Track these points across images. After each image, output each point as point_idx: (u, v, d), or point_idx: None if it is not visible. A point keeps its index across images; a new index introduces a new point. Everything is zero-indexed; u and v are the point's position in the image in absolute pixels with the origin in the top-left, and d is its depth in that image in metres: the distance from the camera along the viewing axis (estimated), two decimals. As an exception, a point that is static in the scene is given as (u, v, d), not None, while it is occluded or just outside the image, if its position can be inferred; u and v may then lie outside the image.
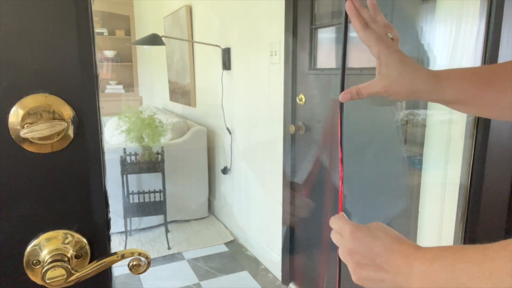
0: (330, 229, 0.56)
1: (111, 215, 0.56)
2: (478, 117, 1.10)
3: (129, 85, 5.99)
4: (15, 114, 0.48)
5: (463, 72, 0.56)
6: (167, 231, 2.96)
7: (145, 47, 3.29)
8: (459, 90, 0.54)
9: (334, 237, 0.54)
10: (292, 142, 2.13)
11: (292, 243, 2.26)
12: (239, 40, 2.64)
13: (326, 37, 1.93)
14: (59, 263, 0.49)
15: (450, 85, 0.55)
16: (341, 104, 0.61)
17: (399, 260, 0.46)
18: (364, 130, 1.62)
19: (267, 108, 2.35)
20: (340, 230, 0.53)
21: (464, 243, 1.19)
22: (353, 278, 0.50)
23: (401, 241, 0.48)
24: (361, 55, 1.70)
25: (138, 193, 2.90)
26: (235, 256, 2.74)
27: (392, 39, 0.59)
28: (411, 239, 1.58)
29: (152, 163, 2.85)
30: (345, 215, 0.56)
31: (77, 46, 0.49)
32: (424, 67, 0.58)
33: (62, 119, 0.49)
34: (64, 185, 0.52)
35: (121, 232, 2.90)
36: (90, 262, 0.54)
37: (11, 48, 0.47)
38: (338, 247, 0.53)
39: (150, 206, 2.91)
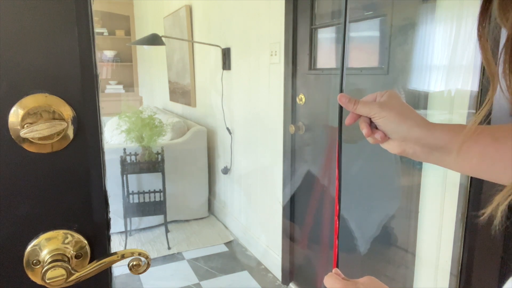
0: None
1: (111, 215, 0.56)
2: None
3: (129, 85, 5.99)
4: (15, 114, 0.48)
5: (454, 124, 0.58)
6: (167, 231, 2.96)
7: (145, 47, 3.29)
8: (448, 134, 0.55)
9: None
10: (292, 142, 2.13)
11: (292, 243, 2.26)
12: (239, 40, 2.64)
13: (326, 37, 1.93)
14: (59, 263, 0.49)
15: (440, 126, 0.56)
16: (340, 107, 0.61)
17: None
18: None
19: (267, 108, 2.35)
20: None
21: (464, 243, 1.19)
22: None
23: None
24: (361, 55, 1.70)
25: (138, 193, 2.90)
26: (235, 256, 2.74)
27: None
28: (411, 239, 1.57)
29: (152, 163, 2.85)
30: (338, 272, 0.57)
31: (77, 46, 0.49)
32: None
33: (62, 119, 0.49)
34: (64, 185, 0.52)
35: (121, 232, 2.90)
36: (90, 262, 0.54)
37: (11, 48, 0.47)
38: None
39: (150, 206, 2.91)
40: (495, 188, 0.45)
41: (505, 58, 0.37)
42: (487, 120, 0.53)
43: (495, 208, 0.41)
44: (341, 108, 0.62)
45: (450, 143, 0.55)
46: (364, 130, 0.60)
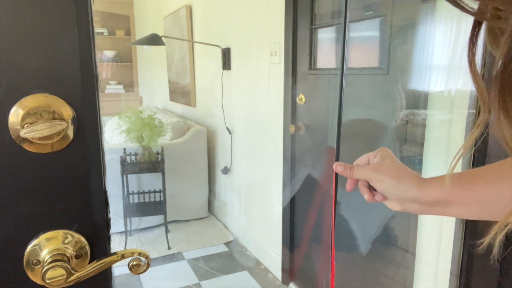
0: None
1: (111, 215, 0.56)
2: (478, 117, 1.10)
3: (129, 85, 5.99)
4: (15, 114, 0.48)
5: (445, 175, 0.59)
6: (167, 231, 2.96)
7: (145, 47, 3.29)
8: (441, 190, 0.56)
9: None
10: (292, 142, 2.12)
11: (292, 243, 2.26)
12: (239, 40, 2.64)
13: (326, 37, 1.93)
14: (59, 263, 0.49)
15: (433, 183, 0.57)
16: (340, 108, 0.62)
17: None
18: (364, 130, 1.62)
19: (267, 108, 2.35)
20: None
21: (464, 243, 1.19)
22: None
23: None
24: (361, 55, 1.70)
25: (138, 193, 2.90)
26: (235, 256, 2.74)
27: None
28: (411, 239, 1.57)
29: (152, 163, 2.85)
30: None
31: (77, 46, 0.49)
32: None
33: (62, 119, 0.49)
34: (64, 185, 0.52)
35: (121, 232, 2.90)
36: (90, 262, 0.54)
37: (11, 48, 0.47)
38: None
39: (150, 206, 2.91)
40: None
41: (494, 94, 0.36)
42: (481, 138, 0.54)
43: (493, 237, 0.42)
44: (340, 109, 0.62)
45: (446, 197, 0.56)
46: (366, 195, 0.62)
